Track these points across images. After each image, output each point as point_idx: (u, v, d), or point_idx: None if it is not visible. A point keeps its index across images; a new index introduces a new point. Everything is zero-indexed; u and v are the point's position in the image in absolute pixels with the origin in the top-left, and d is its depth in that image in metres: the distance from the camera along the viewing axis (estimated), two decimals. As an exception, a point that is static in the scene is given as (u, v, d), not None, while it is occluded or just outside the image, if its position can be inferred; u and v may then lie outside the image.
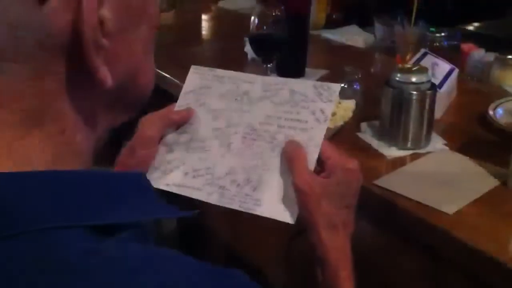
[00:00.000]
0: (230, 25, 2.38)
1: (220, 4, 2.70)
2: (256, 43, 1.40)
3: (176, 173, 0.84)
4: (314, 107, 0.81)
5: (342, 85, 0.82)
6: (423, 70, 1.19)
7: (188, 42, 2.13)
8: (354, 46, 2.03)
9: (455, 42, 1.83)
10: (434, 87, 1.20)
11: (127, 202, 0.45)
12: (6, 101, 0.41)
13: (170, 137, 0.88)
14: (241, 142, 0.83)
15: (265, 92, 0.85)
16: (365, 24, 2.19)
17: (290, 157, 0.78)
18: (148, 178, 0.76)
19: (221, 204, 0.80)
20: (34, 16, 0.40)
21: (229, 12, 2.59)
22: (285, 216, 0.77)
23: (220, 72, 0.90)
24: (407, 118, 1.18)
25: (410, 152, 1.19)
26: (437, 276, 1.02)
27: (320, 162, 0.79)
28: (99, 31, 0.42)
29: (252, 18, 1.41)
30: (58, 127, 0.44)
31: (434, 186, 1.06)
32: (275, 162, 0.79)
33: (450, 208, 0.98)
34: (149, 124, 0.84)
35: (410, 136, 1.19)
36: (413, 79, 1.17)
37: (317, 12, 2.11)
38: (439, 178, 1.09)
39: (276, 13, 1.39)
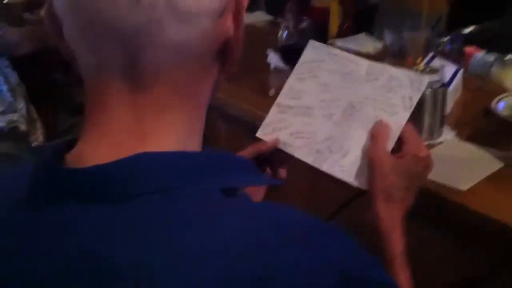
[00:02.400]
0: (249, 37, 2.56)
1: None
2: (285, 53, 1.59)
3: (284, 132, 0.99)
4: (405, 93, 0.96)
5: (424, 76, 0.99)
6: (435, 71, 1.38)
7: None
8: (364, 53, 2.21)
9: (457, 45, 2.01)
10: (444, 86, 1.38)
11: (240, 173, 0.64)
12: (181, 89, 0.59)
13: (283, 99, 1.02)
14: (340, 115, 0.96)
15: (368, 75, 0.97)
16: (373, 32, 2.37)
17: (375, 134, 0.93)
18: (260, 131, 0.98)
19: (314, 165, 0.95)
20: (217, 26, 0.58)
21: (246, 26, 2.78)
22: (361, 183, 0.92)
23: (333, 50, 1.03)
24: (423, 113, 1.36)
25: (426, 142, 1.37)
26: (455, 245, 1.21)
27: (399, 143, 0.93)
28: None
29: (280, 31, 1.60)
30: (200, 116, 0.63)
31: (447, 168, 1.24)
32: (364, 137, 0.94)
33: (464, 186, 1.16)
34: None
35: (426, 128, 1.38)
36: (427, 79, 1.35)
37: (331, 23, 2.30)
38: (452, 162, 1.28)
39: (301, 25, 1.58)
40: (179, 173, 0.58)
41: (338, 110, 0.97)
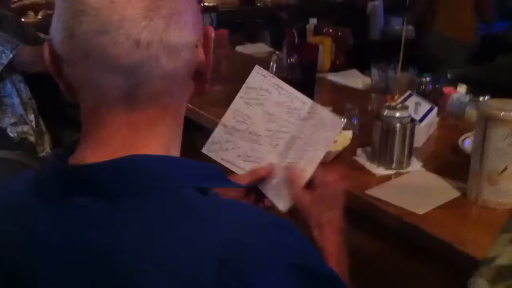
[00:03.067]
0: (247, 67, 2.73)
1: (238, 48, 3.07)
2: (274, 84, 1.75)
3: (231, 152, 1.10)
4: (327, 134, 1.10)
5: (343, 119, 1.13)
6: (405, 108, 1.54)
7: (212, 84, 2.48)
8: (354, 87, 2.38)
9: (439, 86, 2.17)
10: (413, 121, 1.54)
11: (214, 178, 0.79)
12: (168, 107, 0.75)
13: (230, 121, 1.10)
14: (283, 147, 1.10)
15: (308, 114, 1.10)
16: (363, 68, 2.54)
17: (291, 178, 1.09)
18: (206, 148, 1.13)
19: (257, 186, 1.09)
20: (193, 55, 0.74)
21: (245, 56, 2.96)
22: (283, 206, 1.08)
23: (281, 83, 1.12)
24: (392, 145, 1.52)
25: (394, 171, 1.53)
26: (408, 259, 1.35)
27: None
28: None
29: (271, 63, 1.76)
30: (180, 124, 0.78)
31: (409, 195, 1.40)
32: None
33: (420, 210, 1.31)
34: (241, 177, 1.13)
35: (394, 159, 1.53)
36: (397, 115, 1.51)
37: (323, 58, 2.47)
38: (414, 189, 1.43)
39: (290, 60, 1.74)
40: (162, 174, 0.73)
41: (282, 142, 1.10)
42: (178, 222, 0.69)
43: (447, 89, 2.10)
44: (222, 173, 0.82)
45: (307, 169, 1.09)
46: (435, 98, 2.07)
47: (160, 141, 0.76)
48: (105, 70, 0.70)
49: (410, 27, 4.99)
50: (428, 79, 2.16)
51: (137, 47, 0.68)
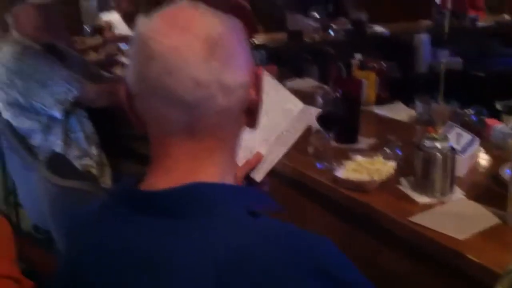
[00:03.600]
0: (296, 101, 2.85)
1: (286, 83, 3.19)
2: (320, 118, 1.86)
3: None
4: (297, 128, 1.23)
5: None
6: (446, 138, 1.62)
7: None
8: (398, 120, 2.46)
9: (482, 117, 2.23)
10: (454, 151, 1.62)
11: (261, 201, 0.90)
12: (223, 139, 0.87)
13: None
14: (274, 140, 1.21)
15: (298, 116, 1.23)
16: (408, 101, 2.63)
17: (248, 161, 1.18)
18: None
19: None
20: (246, 93, 0.86)
21: (293, 90, 3.07)
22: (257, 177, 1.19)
23: (277, 85, 1.24)
24: (434, 174, 1.59)
25: (437, 199, 1.60)
26: (448, 284, 1.42)
27: None
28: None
29: (317, 98, 1.87)
30: (234, 154, 0.90)
31: (451, 222, 1.47)
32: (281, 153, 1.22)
33: (460, 236, 1.38)
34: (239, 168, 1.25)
35: (436, 187, 1.60)
36: (438, 145, 1.59)
37: (368, 92, 2.57)
38: (455, 217, 1.50)
39: (335, 94, 1.85)
40: (218, 199, 0.85)
41: (273, 136, 1.21)
42: (230, 239, 0.80)
43: (490, 121, 2.16)
44: (268, 197, 0.93)
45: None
46: (478, 129, 2.14)
47: (217, 169, 0.88)
48: (170, 106, 0.83)
49: (458, 58, 5.04)
50: (471, 111, 2.23)
51: (198, 87, 0.81)
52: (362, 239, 1.74)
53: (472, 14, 5.43)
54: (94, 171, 2.48)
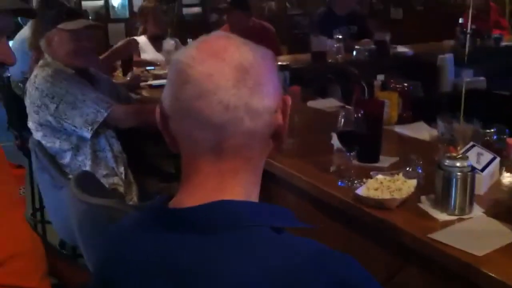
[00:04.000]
0: (318, 121, 2.90)
1: (309, 103, 3.24)
2: (342, 137, 1.90)
3: None
4: None
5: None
6: (465, 158, 1.65)
7: (288, 136, 2.65)
8: (420, 139, 2.49)
9: (503, 136, 2.25)
10: (473, 170, 1.64)
11: (286, 219, 0.95)
12: (249, 159, 0.92)
13: None
14: None
15: None
16: (431, 121, 2.65)
17: None
18: None
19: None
20: (273, 118, 0.91)
21: (316, 110, 3.12)
22: None
23: None
24: (453, 192, 1.62)
25: (456, 217, 1.63)
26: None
27: None
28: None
29: (339, 118, 1.91)
30: (259, 175, 0.95)
31: (470, 238, 1.49)
32: None
33: (479, 252, 1.41)
34: None
35: (456, 205, 1.63)
36: (457, 164, 1.62)
37: (390, 111, 2.60)
38: (475, 233, 1.53)
39: (357, 115, 1.89)
40: (244, 215, 0.90)
41: None
42: (254, 254, 0.85)
43: (511, 140, 2.17)
44: (292, 215, 0.97)
45: None
46: (499, 148, 2.16)
47: (243, 188, 0.94)
48: (200, 127, 0.89)
49: (482, 78, 5.04)
50: (492, 130, 2.24)
51: (227, 110, 0.87)
52: (383, 256, 1.77)
53: (496, 33, 5.44)
54: (121, 189, 2.55)
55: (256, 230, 0.88)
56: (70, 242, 2.63)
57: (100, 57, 3.05)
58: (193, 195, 0.93)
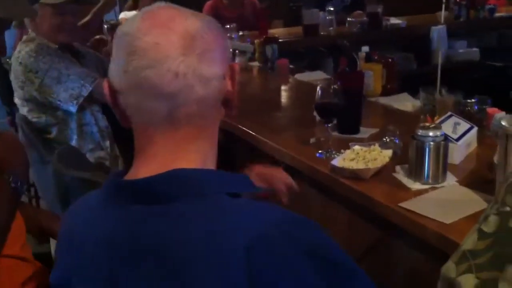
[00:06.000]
0: (303, 93, 2.91)
1: (297, 76, 3.25)
2: (319, 109, 1.92)
3: None
4: None
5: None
6: (438, 128, 1.66)
7: (270, 109, 2.67)
8: (403, 110, 2.50)
9: (485, 107, 2.25)
10: (446, 139, 1.66)
11: (243, 185, 0.96)
12: (202, 127, 0.94)
13: None
14: None
15: None
16: (415, 92, 2.66)
17: None
18: None
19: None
20: (222, 84, 0.93)
21: (302, 83, 3.13)
22: None
23: None
24: (426, 162, 1.64)
25: (429, 186, 1.65)
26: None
27: None
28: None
29: (317, 90, 1.92)
30: (214, 143, 0.97)
31: (440, 207, 1.51)
32: None
33: (448, 219, 1.43)
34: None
35: (429, 174, 1.65)
36: (430, 134, 1.64)
37: (375, 83, 2.61)
38: (445, 202, 1.55)
39: (334, 86, 1.90)
40: (201, 183, 0.91)
41: None
42: (216, 220, 0.86)
43: (491, 110, 2.18)
44: (249, 181, 0.99)
45: None
46: (481, 118, 2.17)
47: (198, 155, 0.94)
48: (151, 97, 0.89)
49: (475, 49, 5.03)
50: (473, 100, 2.25)
51: (176, 78, 0.87)
52: (360, 225, 1.80)
53: (491, 3, 5.39)
54: (107, 163, 2.57)
55: (214, 197, 0.89)
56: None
57: (82, 22, 3.03)
58: (148, 166, 0.93)
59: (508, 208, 0.80)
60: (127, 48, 0.90)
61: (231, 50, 0.88)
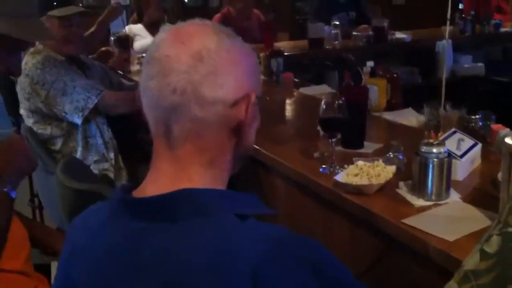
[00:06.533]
0: (308, 107, 2.91)
1: (302, 90, 3.26)
2: (323, 123, 1.92)
3: None
4: None
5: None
6: (442, 144, 1.66)
7: (275, 122, 2.67)
8: (408, 126, 2.50)
9: (488, 123, 2.25)
10: (450, 156, 1.66)
11: (251, 205, 0.96)
12: (204, 150, 0.93)
13: None
14: None
15: None
16: (420, 106, 2.66)
17: None
18: None
19: None
20: (230, 111, 0.91)
21: (307, 96, 3.14)
22: None
23: None
24: (430, 178, 1.64)
25: (433, 202, 1.64)
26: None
27: None
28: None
29: (322, 104, 1.93)
30: (220, 168, 0.96)
31: (443, 224, 1.51)
32: None
33: (451, 237, 1.42)
34: None
35: (432, 191, 1.64)
36: (434, 150, 1.63)
37: (379, 98, 2.62)
38: (449, 219, 1.55)
39: (339, 101, 1.90)
40: (204, 203, 0.90)
41: None
42: (222, 241, 0.85)
43: (495, 126, 2.18)
44: (258, 201, 0.97)
45: None
46: (485, 135, 2.17)
47: (202, 179, 0.93)
48: (153, 108, 0.91)
49: (480, 64, 5.03)
50: (477, 116, 2.25)
51: (174, 93, 0.88)
52: (365, 243, 1.79)
53: (497, 18, 5.40)
54: (111, 175, 2.58)
55: (219, 218, 0.88)
56: (62, 227, 2.66)
57: (88, 32, 3.05)
58: (155, 182, 0.94)
59: (511, 229, 0.80)
60: (147, 57, 0.92)
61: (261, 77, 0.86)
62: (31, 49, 2.61)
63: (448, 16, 2.23)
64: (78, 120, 2.51)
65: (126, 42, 3.85)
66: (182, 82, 0.88)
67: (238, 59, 0.93)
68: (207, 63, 0.90)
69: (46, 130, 2.55)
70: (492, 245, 0.81)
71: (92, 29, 3.32)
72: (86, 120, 2.55)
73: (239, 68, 0.93)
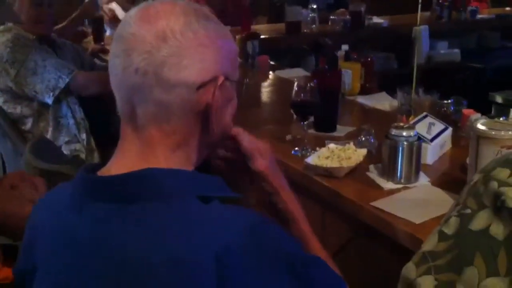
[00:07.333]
0: (283, 90, 2.90)
1: (277, 73, 3.24)
2: (295, 106, 1.92)
3: None
4: None
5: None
6: (411, 128, 1.67)
7: (249, 105, 2.65)
8: (381, 109, 2.51)
9: (460, 108, 2.27)
10: (419, 140, 1.66)
11: (215, 188, 0.94)
12: (170, 134, 0.90)
13: None
14: None
15: None
16: (395, 91, 2.66)
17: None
18: None
19: None
20: (194, 95, 0.88)
21: (282, 80, 3.13)
22: None
23: None
24: (399, 161, 1.64)
25: (402, 185, 1.65)
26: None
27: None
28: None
29: (294, 87, 1.92)
30: (189, 151, 0.93)
31: (411, 207, 1.52)
32: None
33: (417, 219, 1.43)
34: None
35: (402, 174, 1.65)
36: (403, 134, 1.64)
37: (353, 82, 2.62)
38: (416, 202, 1.56)
39: (311, 85, 1.90)
40: (168, 184, 0.88)
41: None
42: (184, 228, 0.83)
43: (466, 111, 2.19)
44: (223, 184, 0.94)
45: None
46: (456, 119, 2.18)
47: (169, 159, 0.90)
48: (118, 87, 0.89)
49: (456, 50, 5.06)
50: (449, 101, 2.27)
51: (136, 73, 0.86)
52: (334, 224, 1.80)
53: (474, 5, 5.43)
54: (82, 155, 2.55)
55: (180, 200, 0.86)
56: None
57: (57, 27, 3.01)
58: (119, 162, 0.91)
59: (469, 210, 0.80)
60: (115, 34, 0.90)
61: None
62: (1, 27, 2.56)
63: (420, 0, 2.22)
64: (49, 100, 2.48)
65: (100, 23, 3.80)
66: (144, 63, 0.85)
67: (206, 41, 0.89)
68: (171, 44, 0.86)
69: (16, 109, 2.51)
70: (450, 227, 0.81)
71: (63, 24, 3.26)
72: (57, 100, 2.52)
73: (207, 50, 0.89)
